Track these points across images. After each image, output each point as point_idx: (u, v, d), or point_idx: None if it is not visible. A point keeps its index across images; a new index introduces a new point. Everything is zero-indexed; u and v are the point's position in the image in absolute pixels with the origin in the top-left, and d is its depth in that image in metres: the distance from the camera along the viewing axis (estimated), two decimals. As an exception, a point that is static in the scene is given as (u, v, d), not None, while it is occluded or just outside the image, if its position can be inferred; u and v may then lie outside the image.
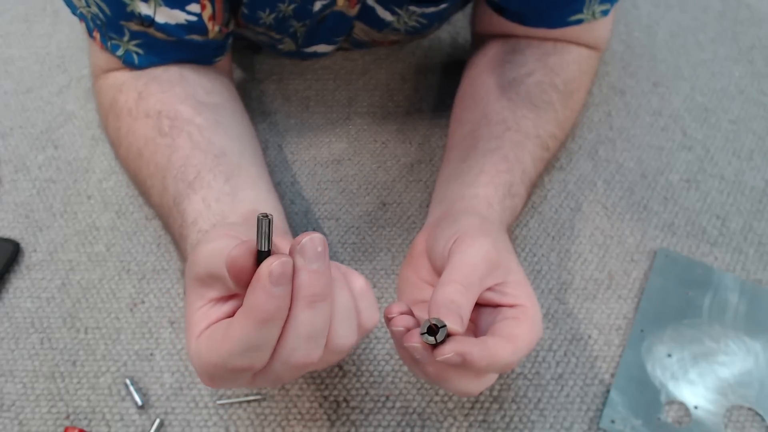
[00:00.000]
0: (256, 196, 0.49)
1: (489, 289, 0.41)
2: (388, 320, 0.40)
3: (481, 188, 0.49)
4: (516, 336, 0.39)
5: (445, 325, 0.37)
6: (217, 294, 0.37)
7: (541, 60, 0.57)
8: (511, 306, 0.41)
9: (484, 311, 0.42)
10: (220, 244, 0.37)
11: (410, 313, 0.40)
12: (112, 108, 0.55)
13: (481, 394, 0.50)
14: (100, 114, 0.58)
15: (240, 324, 0.33)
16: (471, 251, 0.41)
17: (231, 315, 0.37)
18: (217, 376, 0.36)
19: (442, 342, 0.37)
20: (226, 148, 0.51)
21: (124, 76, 0.54)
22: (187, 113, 0.52)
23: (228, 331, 0.34)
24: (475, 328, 0.43)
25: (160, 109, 0.52)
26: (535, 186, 0.56)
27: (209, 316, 0.37)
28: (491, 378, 0.42)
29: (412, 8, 0.57)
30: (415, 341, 0.38)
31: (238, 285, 0.34)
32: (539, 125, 0.54)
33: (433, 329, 0.37)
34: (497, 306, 0.42)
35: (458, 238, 0.42)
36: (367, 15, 0.58)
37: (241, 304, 0.34)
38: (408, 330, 0.39)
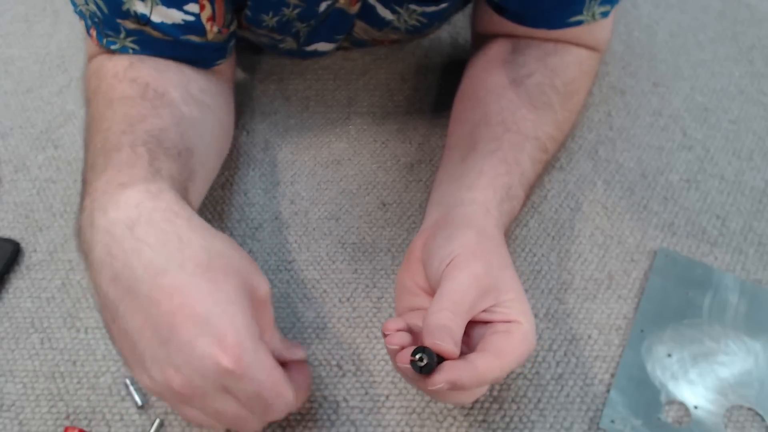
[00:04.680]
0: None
1: (482, 311, 0.42)
2: (385, 335, 0.42)
3: (480, 192, 0.49)
4: (505, 351, 0.40)
5: (432, 359, 0.39)
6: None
7: (542, 60, 0.57)
8: (503, 322, 0.42)
9: (477, 325, 0.43)
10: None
11: (406, 329, 0.41)
12: (96, 72, 0.52)
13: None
14: (83, 81, 0.55)
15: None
16: (462, 279, 0.42)
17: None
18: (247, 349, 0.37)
19: (434, 368, 0.39)
20: (194, 152, 0.49)
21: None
22: (175, 98, 0.50)
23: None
24: (468, 340, 0.43)
25: (149, 81, 0.50)
26: (533, 188, 0.56)
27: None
28: (483, 389, 0.43)
29: (413, 7, 0.57)
30: (406, 362, 0.39)
31: None
32: (538, 126, 0.54)
33: (422, 358, 0.39)
34: (490, 322, 0.43)
35: (452, 262, 0.43)
36: (367, 13, 0.58)
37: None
38: (402, 348, 0.40)
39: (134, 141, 0.44)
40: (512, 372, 0.51)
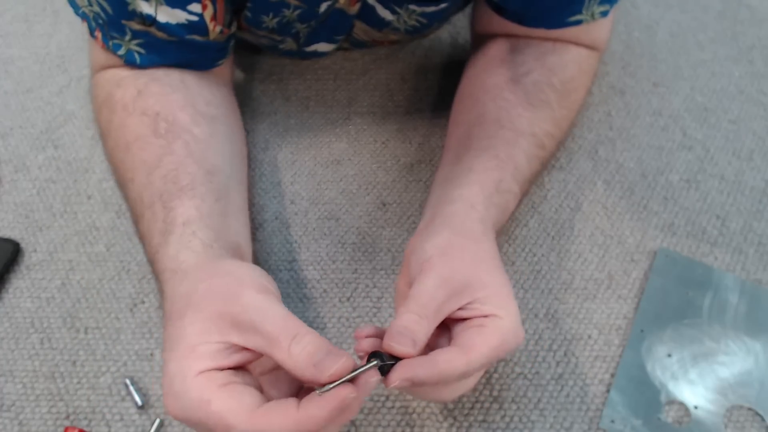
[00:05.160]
0: (237, 228, 0.49)
1: (459, 308, 0.42)
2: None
3: (466, 188, 0.49)
4: (473, 345, 0.39)
5: (385, 362, 0.38)
6: (238, 342, 0.37)
7: (540, 59, 0.57)
8: (480, 317, 0.41)
9: (458, 323, 0.42)
10: (273, 303, 0.38)
11: (377, 335, 0.41)
12: (107, 101, 0.54)
13: (480, 394, 0.50)
14: (93, 106, 0.58)
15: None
16: (429, 281, 0.41)
17: (237, 366, 0.38)
18: (199, 425, 0.37)
19: (389, 369, 0.38)
20: (218, 167, 0.51)
21: (124, 73, 0.54)
22: (185, 121, 0.52)
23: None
24: (450, 336, 0.43)
25: (158, 110, 0.52)
26: (531, 184, 0.55)
27: (218, 358, 0.37)
28: (466, 384, 0.42)
29: (412, 7, 0.58)
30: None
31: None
32: (534, 123, 0.54)
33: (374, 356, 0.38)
34: (469, 319, 0.42)
35: (423, 265, 0.43)
36: (367, 14, 0.58)
37: (248, 360, 0.38)
38: (367, 354, 0.40)
39: (152, 198, 0.48)
40: (512, 371, 0.51)
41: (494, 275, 0.43)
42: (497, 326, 0.40)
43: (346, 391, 0.35)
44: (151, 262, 0.47)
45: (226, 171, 0.52)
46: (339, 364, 0.35)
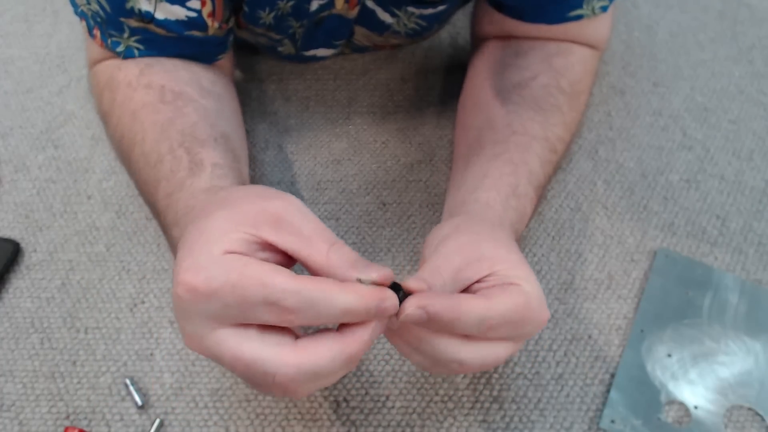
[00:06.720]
0: None
1: (477, 281, 0.40)
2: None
3: (483, 192, 0.49)
4: (494, 295, 0.38)
5: (399, 292, 0.36)
6: (271, 238, 0.35)
7: (546, 62, 0.57)
8: (505, 283, 0.40)
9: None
10: (314, 217, 0.36)
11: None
12: (109, 84, 0.53)
13: (480, 394, 0.50)
14: (94, 92, 0.57)
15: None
16: (445, 249, 0.41)
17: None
18: (219, 299, 0.33)
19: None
20: (230, 134, 0.51)
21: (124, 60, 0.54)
22: (192, 94, 0.51)
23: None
24: None
25: (163, 83, 0.51)
26: (545, 189, 0.55)
27: (249, 248, 0.35)
28: (489, 352, 0.39)
29: (411, 9, 0.57)
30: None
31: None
32: (547, 128, 0.54)
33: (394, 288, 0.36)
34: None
35: (439, 243, 0.42)
36: (366, 18, 0.58)
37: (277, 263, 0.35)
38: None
39: (171, 146, 0.47)
40: (512, 372, 0.51)
41: (513, 252, 0.42)
42: (520, 290, 0.38)
43: (390, 292, 0.34)
44: (170, 194, 0.45)
45: (236, 144, 0.51)
46: (382, 270, 0.35)
